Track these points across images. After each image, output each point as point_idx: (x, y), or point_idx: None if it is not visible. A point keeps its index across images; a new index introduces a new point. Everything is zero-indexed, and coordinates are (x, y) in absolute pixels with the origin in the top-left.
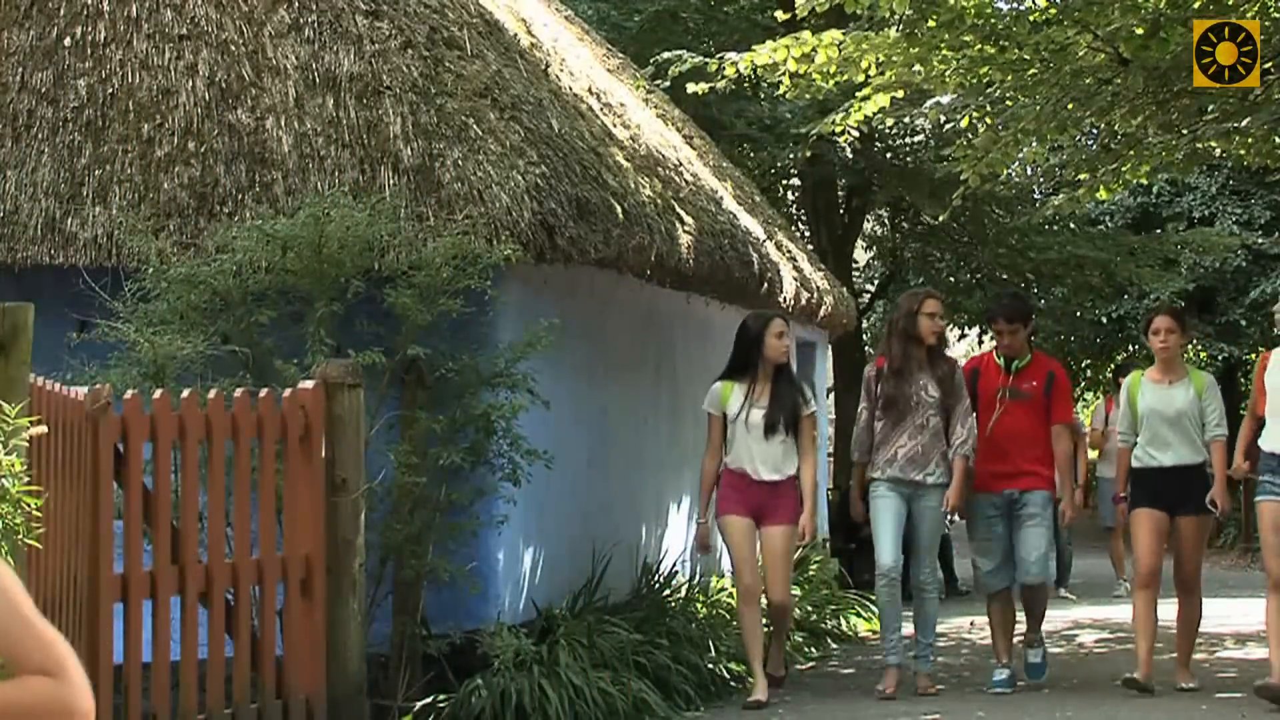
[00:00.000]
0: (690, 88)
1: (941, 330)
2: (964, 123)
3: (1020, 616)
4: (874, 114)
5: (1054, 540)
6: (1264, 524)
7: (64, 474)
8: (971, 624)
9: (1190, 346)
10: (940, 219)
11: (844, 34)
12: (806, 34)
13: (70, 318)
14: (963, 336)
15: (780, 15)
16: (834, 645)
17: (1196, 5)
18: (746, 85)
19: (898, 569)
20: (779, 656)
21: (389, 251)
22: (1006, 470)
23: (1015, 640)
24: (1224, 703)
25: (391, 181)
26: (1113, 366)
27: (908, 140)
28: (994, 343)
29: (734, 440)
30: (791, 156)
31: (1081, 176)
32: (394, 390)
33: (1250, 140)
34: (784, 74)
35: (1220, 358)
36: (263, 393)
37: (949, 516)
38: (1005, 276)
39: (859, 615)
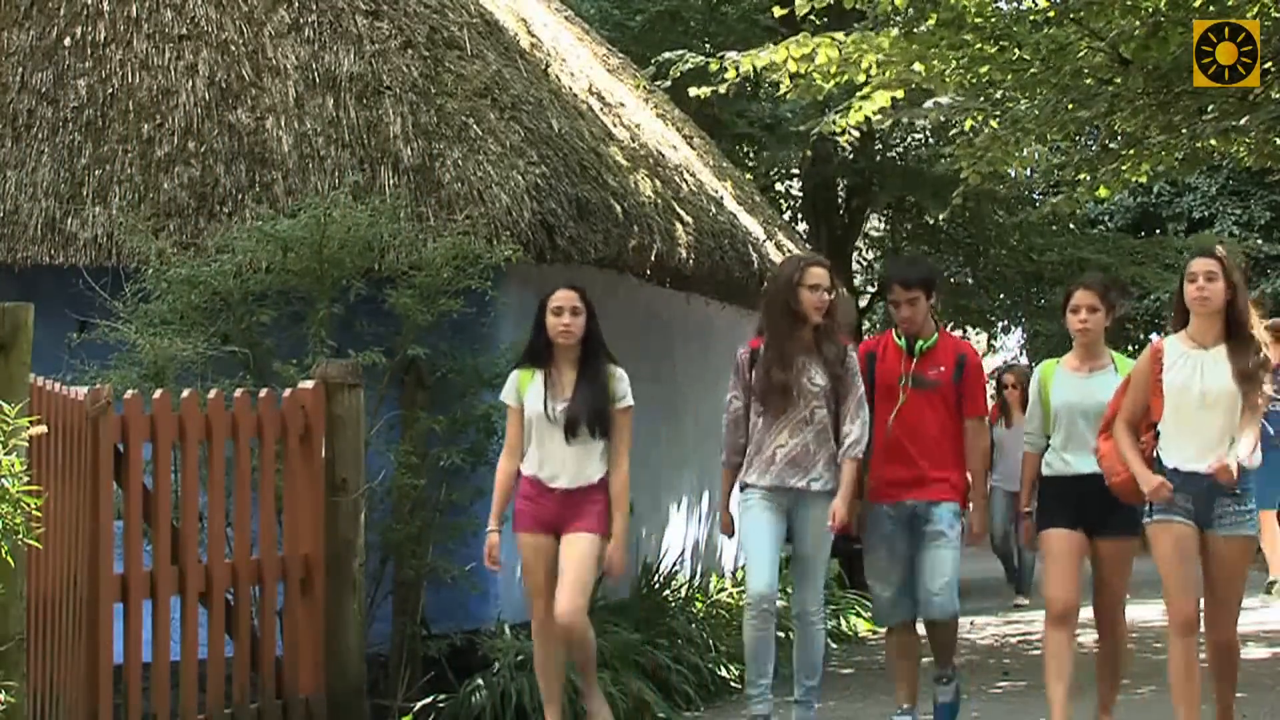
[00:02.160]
0: (693, 91)
1: (828, 304)
2: (966, 124)
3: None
4: (874, 114)
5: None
6: (1165, 552)
7: (64, 474)
8: (971, 623)
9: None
10: (941, 218)
11: (845, 34)
12: (807, 34)
13: (70, 318)
14: (964, 338)
15: (778, 11)
16: (834, 645)
17: (1196, 5)
18: (747, 85)
19: (773, 597)
20: (593, 698)
21: (389, 252)
22: (908, 476)
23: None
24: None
25: (392, 182)
26: None
27: (908, 140)
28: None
29: (530, 439)
30: (791, 156)
31: (1081, 176)
32: (394, 390)
33: (1250, 140)
34: (784, 74)
35: None
36: (263, 393)
37: (854, 536)
38: (1006, 277)
39: (859, 615)
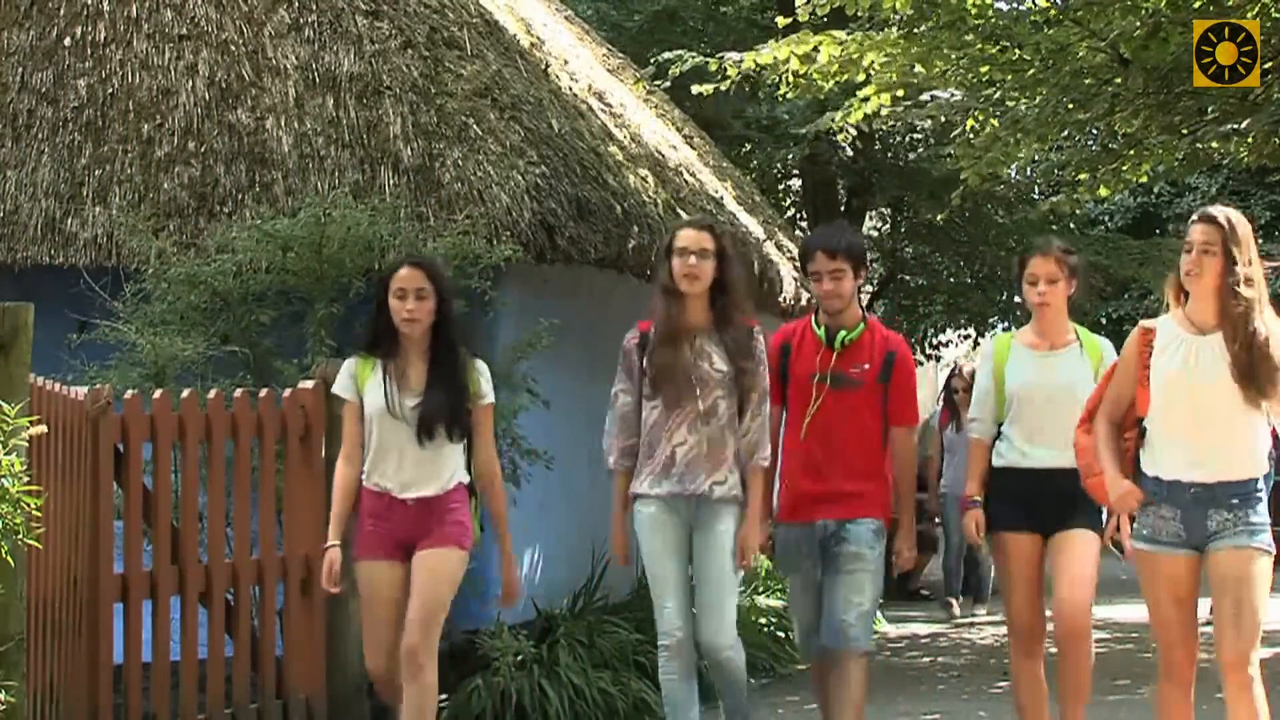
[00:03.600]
0: (695, 88)
1: (703, 272)
2: (968, 124)
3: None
4: (874, 113)
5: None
6: (1157, 589)
7: (64, 474)
8: (971, 623)
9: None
10: (940, 218)
11: (846, 34)
12: (808, 33)
13: (70, 318)
14: (966, 338)
15: (781, 20)
16: None
17: (1196, 5)
18: (746, 86)
19: (688, 629)
20: None
21: (389, 252)
22: (821, 491)
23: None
24: (1223, 703)
25: (391, 181)
26: None
27: (908, 140)
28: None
29: (371, 442)
30: (791, 157)
31: (1081, 176)
32: None
33: (1251, 140)
34: (786, 74)
35: None
36: (263, 393)
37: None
38: (1005, 277)
39: None
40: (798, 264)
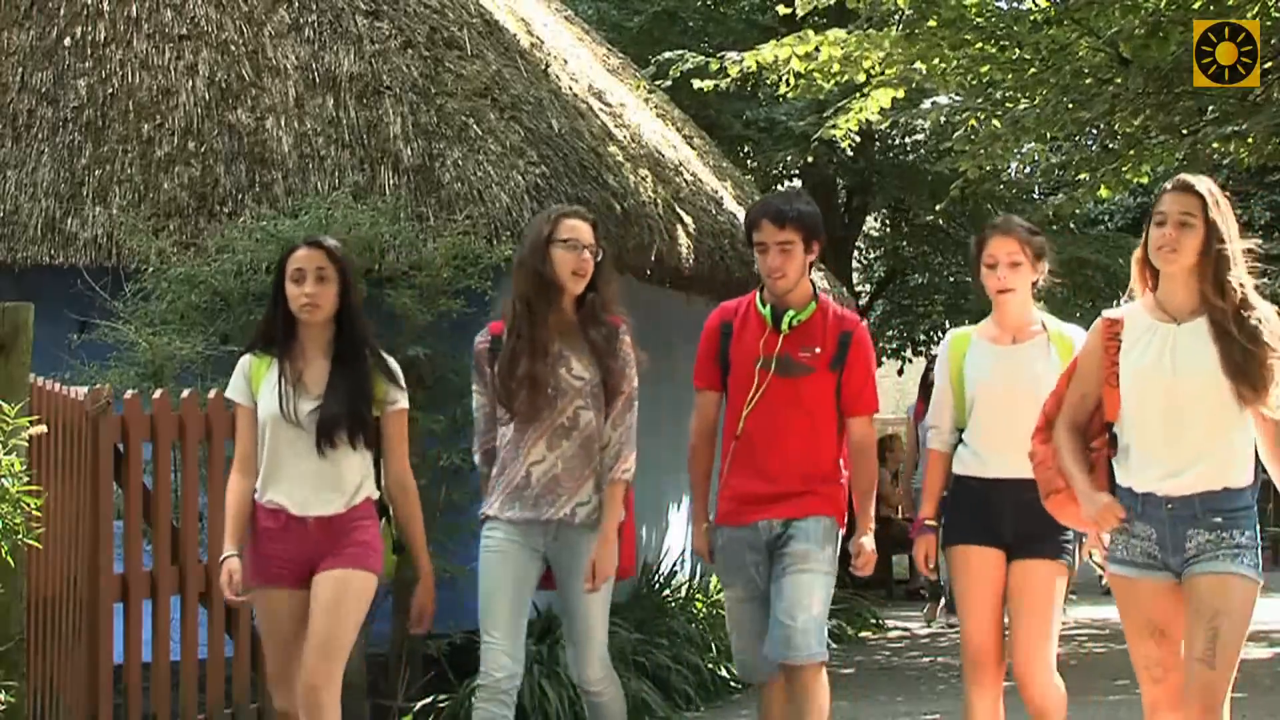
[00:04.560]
0: (696, 83)
1: (590, 269)
2: (970, 122)
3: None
4: (874, 115)
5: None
6: (1134, 619)
7: (64, 474)
8: None
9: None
10: (939, 209)
11: (847, 33)
12: (810, 32)
13: (70, 318)
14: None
15: (782, 10)
16: (834, 645)
17: (1196, 5)
18: (746, 86)
19: (515, 675)
20: None
21: (389, 252)
22: (765, 491)
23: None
24: None
25: (391, 182)
26: None
27: (907, 140)
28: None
29: (265, 453)
30: (790, 158)
31: (1081, 176)
32: None
33: (1251, 140)
34: (788, 74)
35: None
36: None
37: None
38: None
39: (859, 615)
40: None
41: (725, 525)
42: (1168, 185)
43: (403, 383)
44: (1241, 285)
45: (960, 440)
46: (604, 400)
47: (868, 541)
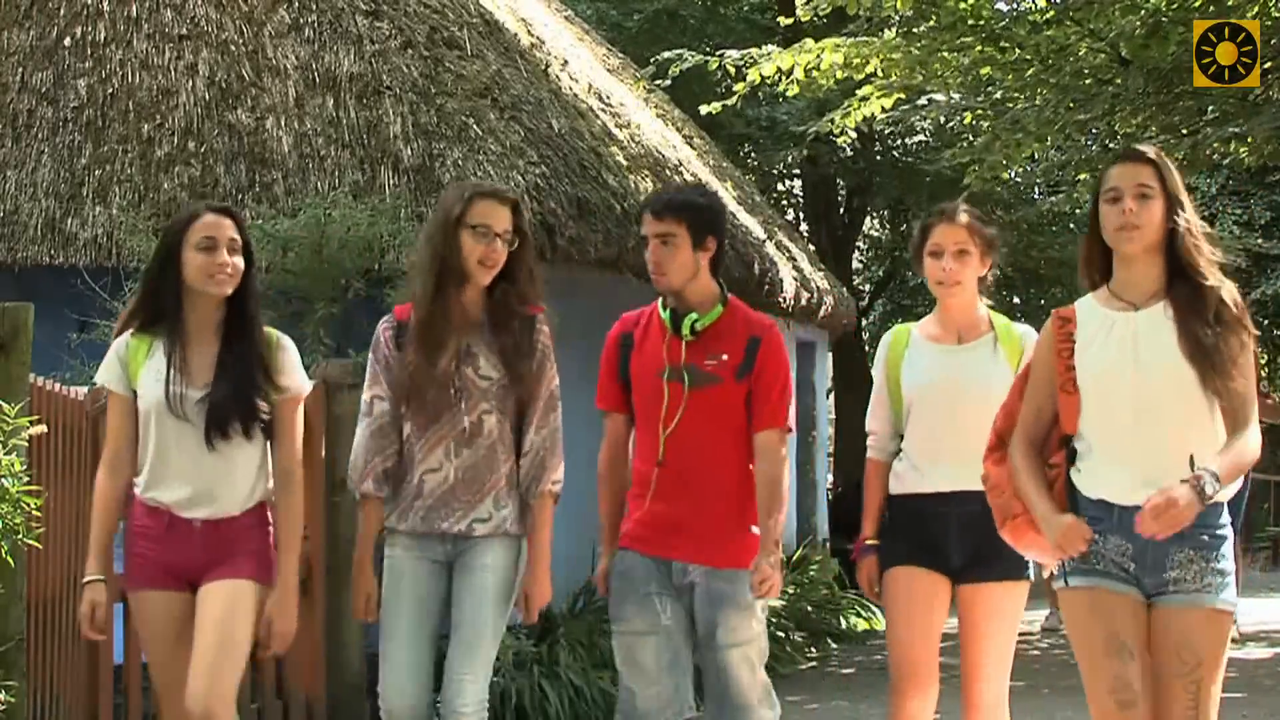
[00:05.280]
0: (704, 109)
1: (502, 259)
2: (967, 119)
3: None
4: (873, 115)
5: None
6: (1094, 636)
7: (64, 474)
8: None
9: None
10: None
11: (847, 38)
12: (810, 42)
13: (70, 318)
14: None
15: (784, 20)
16: (834, 645)
17: (1196, 5)
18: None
19: (418, 707)
20: None
21: (389, 251)
22: (673, 517)
23: None
24: (1224, 703)
25: (391, 181)
26: None
27: (907, 141)
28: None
29: (148, 444)
30: (790, 157)
31: (1081, 176)
32: None
33: (1250, 141)
34: (793, 81)
35: None
36: None
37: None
38: (1004, 277)
39: (859, 615)
40: (795, 268)
41: (633, 550)
42: (1118, 156)
43: (299, 365)
44: (1212, 259)
45: (899, 450)
46: (513, 404)
47: (769, 564)
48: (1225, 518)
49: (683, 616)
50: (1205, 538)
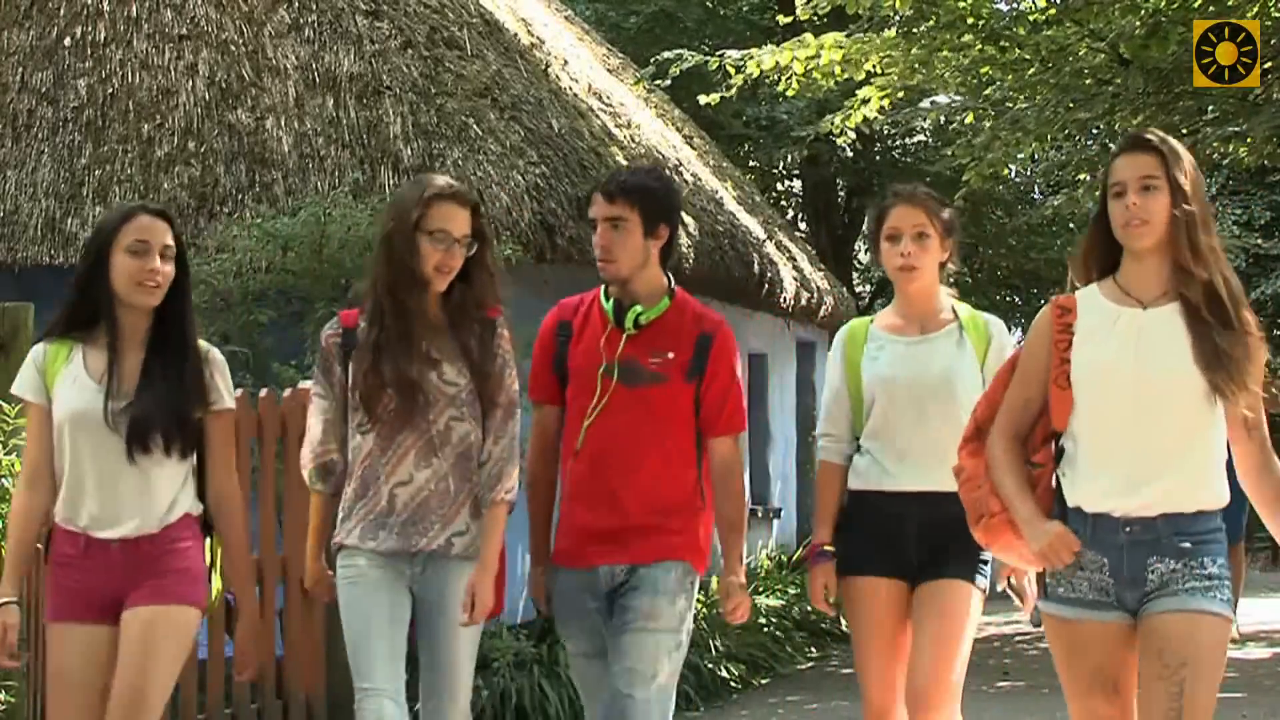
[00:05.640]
0: (703, 99)
1: (458, 265)
2: (968, 119)
3: None
4: (874, 116)
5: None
6: (1078, 669)
7: None
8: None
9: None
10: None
11: (847, 37)
12: (809, 37)
13: None
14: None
15: (782, 19)
16: (834, 645)
17: (1196, 5)
18: (746, 86)
19: None
20: None
21: None
22: (610, 525)
23: None
24: (1224, 703)
25: (391, 181)
26: None
27: (907, 141)
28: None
29: (65, 460)
30: (790, 157)
31: (1081, 176)
32: None
33: (1250, 141)
34: (790, 77)
35: None
36: (263, 393)
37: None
38: (1005, 277)
39: None
40: (795, 267)
41: (562, 567)
42: (1121, 145)
43: (229, 379)
44: (1214, 252)
45: (858, 450)
46: (480, 410)
47: (735, 582)
48: (1214, 523)
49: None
50: (1186, 545)
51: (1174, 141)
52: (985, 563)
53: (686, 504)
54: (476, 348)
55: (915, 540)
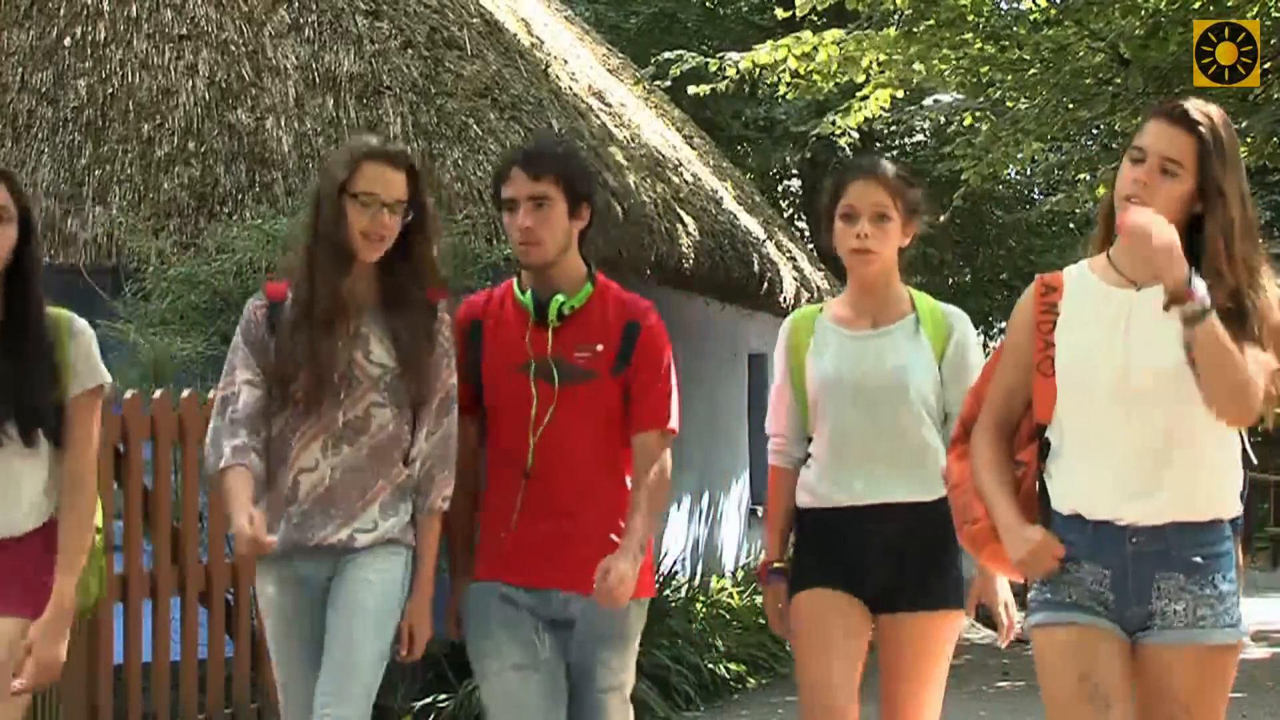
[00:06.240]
0: (692, 89)
1: (391, 231)
2: (966, 120)
3: None
4: (874, 116)
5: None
6: (1065, 682)
7: None
8: (972, 624)
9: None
10: (939, 220)
11: (845, 33)
12: (808, 33)
13: None
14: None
15: (780, 13)
16: None
17: (1196, 5)
18: (744, 87)
19: None
20: None
21: None
22: (548, 540)
23: None
24: None
25: None
26: None
27: (907, 141)
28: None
29: None
30: (788, 158)
31: (1081, 176)
32: None
33: (1250, 140)
34: (784, 72)
35: None
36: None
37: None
38: (1005, 277)
39: None
40: (795, 267)
41: (501, 581)
42: (1156, 111)
43: (95, 353)
44: (1247, 264)
45: (805, 459)
46: (410, 398)
47: (621, 564)
48: (1226, 532)
49: (560, 650)
50: (1198, 559)
51: (1221, 117)
52: (961, 580)
53: (613, 516)
54: (410, 332)
55: (877, 562)
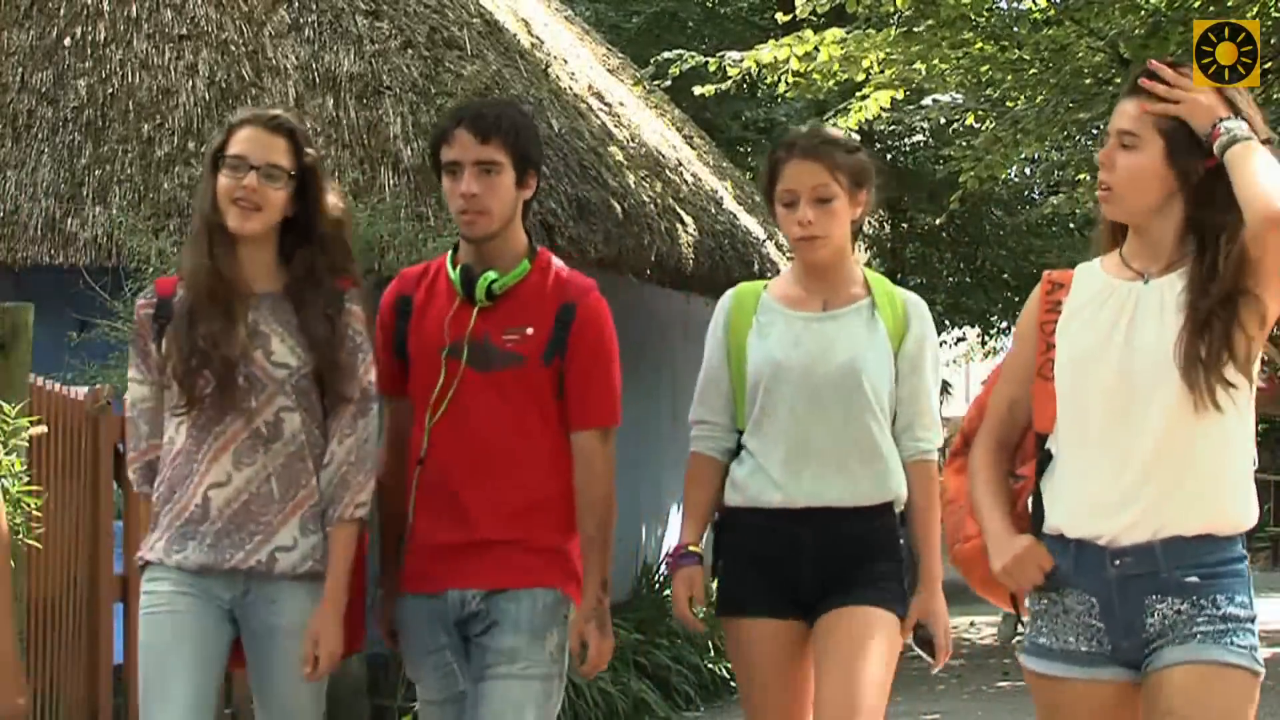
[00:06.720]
0: (697, 89)
1: (266, 202)
2: (969, 120)
3: None
4: (874, 116)
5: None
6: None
7: (64, 474)
8: (971, 624)
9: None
10: (939, 222)
11: (846, 33)
12: (809, 33)
13: (70, 318)
14: (960, 340)
15: (781, 17)
16: None
17: (1196, 5)
18: (744, 87)
19: None
20: None
21: (389, 252)
22: (459, 539)
23: None
24: None
25: (391, 181)
26: None
27: (907, 141)
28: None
29: None
30: None
31: (1081, 176)
32: None
33: None
34: (785, 73)
35: None
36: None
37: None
38: (1005, 277)
39: None
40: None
41: (408, 593)
42: (1139, 72)
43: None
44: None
45: (738, 451)
46: (320, 399)
47: (590, 613)
48: (1231, 552)
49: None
50: (1193, 579)
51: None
52: (903, 594)
53: (554, 516)
54: (320, 327)
55: (811, 569)
